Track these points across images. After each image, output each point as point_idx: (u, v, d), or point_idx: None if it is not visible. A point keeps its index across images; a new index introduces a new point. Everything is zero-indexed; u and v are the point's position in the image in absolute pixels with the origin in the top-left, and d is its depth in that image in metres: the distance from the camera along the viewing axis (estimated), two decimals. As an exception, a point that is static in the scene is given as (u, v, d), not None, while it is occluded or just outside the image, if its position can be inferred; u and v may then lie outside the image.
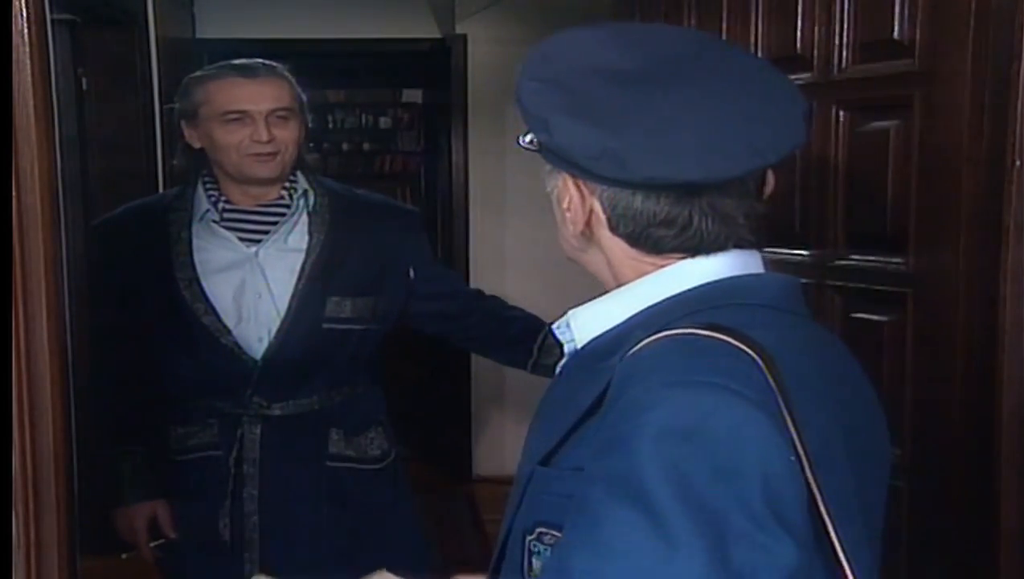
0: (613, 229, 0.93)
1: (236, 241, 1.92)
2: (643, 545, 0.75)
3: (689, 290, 0.91)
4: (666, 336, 0.86)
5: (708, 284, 0.91)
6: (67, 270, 1.27)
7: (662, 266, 0.93)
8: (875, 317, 1.68)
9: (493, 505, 4.59)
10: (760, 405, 0.79)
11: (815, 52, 1.75)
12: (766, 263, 0.96)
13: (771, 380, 0.81)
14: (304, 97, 1.96)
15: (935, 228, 1.55)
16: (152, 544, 2.00)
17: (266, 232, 1.92)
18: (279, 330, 1.89)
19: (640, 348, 0.86)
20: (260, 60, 1.93)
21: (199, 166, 1.96)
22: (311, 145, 2.03)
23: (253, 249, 1.92)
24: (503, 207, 4.64)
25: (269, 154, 1.88)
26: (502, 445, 4.81)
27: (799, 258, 1.83)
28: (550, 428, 0.93)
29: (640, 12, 2.26)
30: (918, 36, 1.56)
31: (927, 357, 1.58)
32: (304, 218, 1.95)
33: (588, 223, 0.94)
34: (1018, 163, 1.38)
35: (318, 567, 1.93)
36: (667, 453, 0.77)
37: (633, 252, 0.93)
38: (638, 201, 0.90)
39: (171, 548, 2.01)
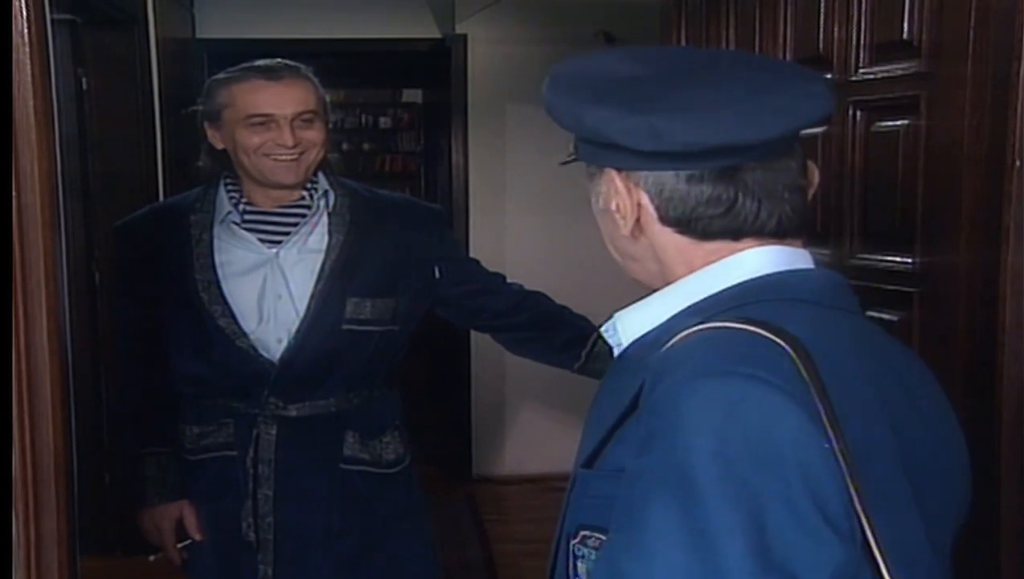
0: (663, 218, 0.93)
1: (257, 243, 1.91)
2: (684, 542, 0.75)
3: (730, 288, 0.92)
4: (697, 330, 0.86)
5: (747, 281, 0.92)
6: (67, 270, 1.27)
7: (710, 260, 0.93)
8: (886, 316, 1.69)
9: (493, 505, 4.60)
10: (790, 394, 0.78)
11: (835, 52, 1.77)
12: (815, 259, 0.97)
13: (803, 370, 0.81)
14: (327, 98, 1.95)
15: (939, 228, 1.56)
16: (179, 545, 1.99)
17: (287, 233, 1.91)
18: (298, 331, 1.88)
19: (672, 344, 0.87)
20: (283, 61, 1.91)
21: (223, 167, 1.95)
22: (344, 147, 2.02)
23: (274, 250, 1.91)
24: (503, 207, 4.64)
25: (293, 159, 1.86)
26: (502, 445, 4.82)
27: (819, 256, 1.85)
28: (593, 430, 0.94)
29: (686, 15, 2.32)
30: (924, 37, 1.57)
31: (932, 356, 1.58)
32: (325, 219, 1.93)
33: (638, 220, 0.95)
34: (1018, 163, 1.38)
35: (330, 570, 1.93)
36: (702, 444, 0.77)
37: (683, 242, 0.94)
38: (682, 182, 0.91)
39: (190, 549, 2.00)
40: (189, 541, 1.99)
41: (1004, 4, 1.39)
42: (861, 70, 1.73)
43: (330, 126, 1.96)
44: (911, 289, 1.63)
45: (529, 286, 2.15)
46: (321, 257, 1.90)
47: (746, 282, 0.92)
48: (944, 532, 0.94)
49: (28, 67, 1.16)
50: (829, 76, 1.80)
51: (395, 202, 2.08)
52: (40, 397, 1.19)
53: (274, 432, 1.90)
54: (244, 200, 1.93)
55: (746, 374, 0.79)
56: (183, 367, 1.94)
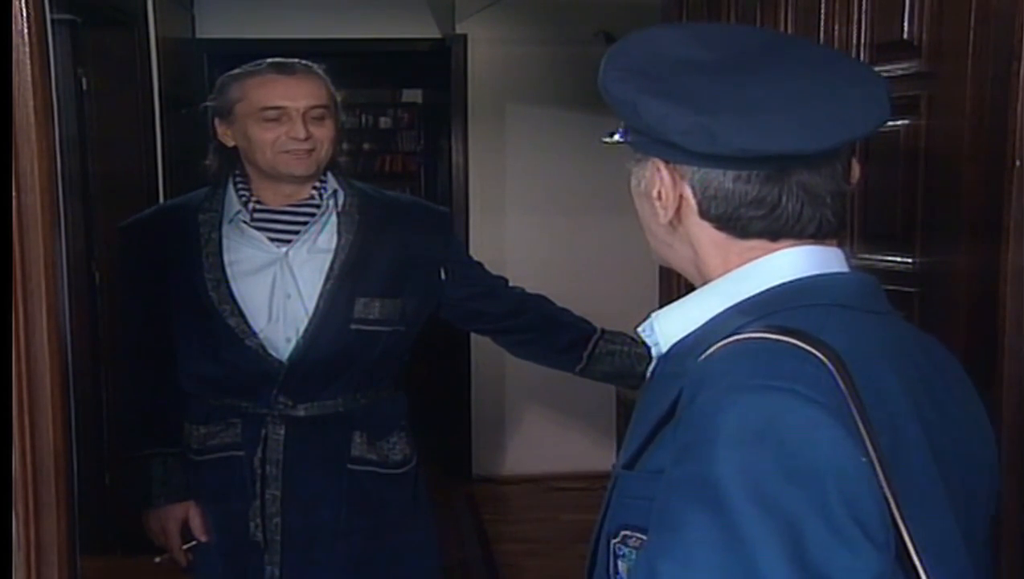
0: (703, 213, 0.93)
1: (266, 241, 1.92)
2: (722, 552, 0.76)
3: (766, 291, 0.93)
4: (736, 340, 0.87)
5: (784, 285, 0.92)
6: (67, 270, 1.27)
7: (747, 257, 0.94)
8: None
9: (493, 505, 4.60)
10: (827, 408, 0.79)
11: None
12: (848, 258, 0.97)
13: (840, 382, 0.82)
14: (338, 97, 1.97)
15: (939, 228, 1.56)
16: (184, 547, 1.98)
17: (296, 232, 1.92)
18: (306, 330, 1.88)
19: (712, 353, 0.88)
20: (296, 60, 1.93)
21: (231, 166, 1.96)
22: (344, 147, 2.03)
23: (283, 249, 1.91)
24: (503, 207, 4.64)
25: (306, 151, 1.87)
26: (502, 445, 4.82)
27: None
28: (635, 434, 0.95)
29: (687, 15, 2.30)
30: (924, 37, 1.57)
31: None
32: (333, 218, 1.94)
33: (678, 210, 0.95)
34: (1018, 163, 1.38)
35: (337, 570, 1.94)
36: (738, 457, 0.78)
37: (720, 237, 0.94)
38: (729, 181, 0.91)
39: (196, 550, 1.99)
40: (195, 542, 1.98)
41: (1004, 4, 1.39)
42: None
43: (340, 125, 1.97)
44: (911, 289, 1.63)
45: (529, 286, 2.15)
46: (330, 256, 1.91)
47: (783, 285, 0.92)
48: (974, 527, 0.96)
49: (28, 67, 1.16)
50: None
51: (403, 203, 2.09)
52: (40, 397, 1.19)
53: (282, 432, 1.90)
54: (254, 199, 1.93)
55: (784, 389, 0.80)
56: (191, 366, 1.94)
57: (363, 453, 1.95)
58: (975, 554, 0.94)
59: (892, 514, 0.80)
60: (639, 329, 1.02)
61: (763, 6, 2.01)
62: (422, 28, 4.62)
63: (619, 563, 0.93)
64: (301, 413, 1.91)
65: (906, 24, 1.61)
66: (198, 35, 4.47)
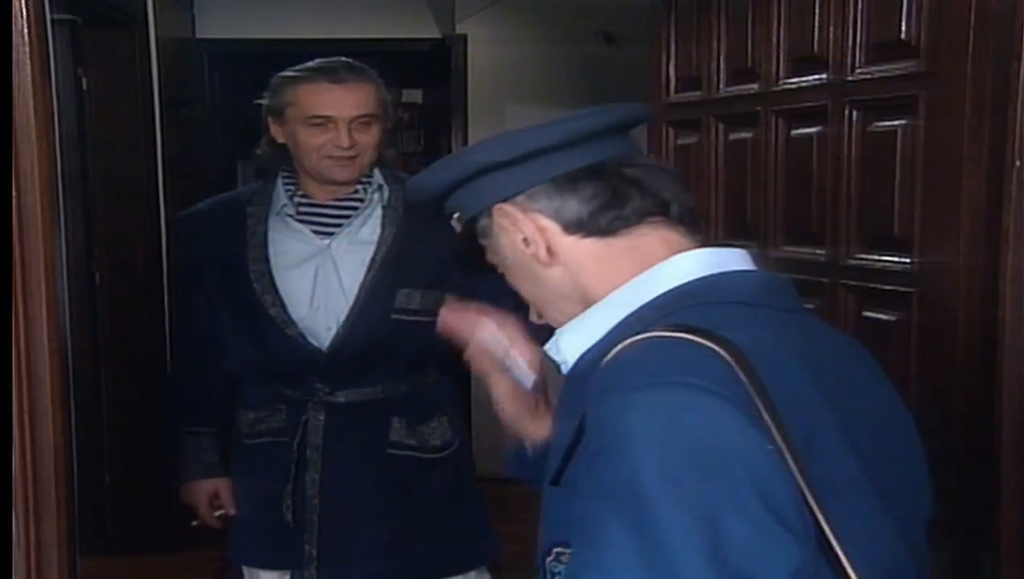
0: (567, 229, 0.97)
1: (310, 234, 1.99)
2: (641, 554, 0.76)
3: (664, 294, 0.93)
4: (631, 342, 0.87)
5: (682, 286, 0.93)
6: (67, 270, 1.27)
7: (631, 258, 0.96)
8: (883, 316, 1.69)
9: (493, 505, 4.58)
10: (730, 400, 0.79)
11: (830, 53, 1.77)
12: (756, 259, 0.98)
13: (741, 374, 0.82)
14: (389, 97, 2.04)
15: (938, 228, 1.56)
16: (216, 514, 2.08)
17: (339, 225, 1.99)
18: (347, 320, 1.95)
19: (611, 357, 0.88)
20: (348, 61, 2.00)
21: (282, 160, 2.02)
22: (394, 144, 2.09)
23: (326, 241, 1.98)
24: (503, 207, 4.64)
25: (349, 158, 1.94)
26: (502, 445, 4.81)
27: (815, 256, 1.84)
28: (556, 448, 0.95)
29: (675, 16, 2.32)
30: (923, 37, 1.57)
31: (930, 356, 1.58)
32: (378, 211, 2.00)
33: (547, 245, 0.98)
34: (1018, 163, 1.38)
35: (375, 553, 1.99)
36: (647, 456, 0.77)
37: (595, 246, 0.97)
38: (563, 190, 0.97)
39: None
40: (222, 510, 2.08)
41: (1004, 4, 1.40)
42: (858, 70, 1.73)
43: (389, 125, 2.03)
44: (909, 289, 1.63)
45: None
46: (372, 248, 1.97)
47: (680, 286, 0.93)
48: (909, 523, 0.94)
49: (28, 67, 1.17)
50: (824, 76, 1.79)
51: None
52: (40, 397, 1.19)
53: (322, 418, 1.97)
54: (300, 193, 2.00)
55: (682, 383, 0.80)
56: (239, 354, 2.03)
57: (402, 438, 2.01)
58: (914, 553, 0.93)
59: (808, 503, 0.79)
60: (546, 347, 1.04)
61: (755, 4, 2.01)
62: (422, 28, 4.62)
63: None
64: (341, 399, 1.97)
65: (904, 24, 1.61)
66: (198, 35, 4.47)
